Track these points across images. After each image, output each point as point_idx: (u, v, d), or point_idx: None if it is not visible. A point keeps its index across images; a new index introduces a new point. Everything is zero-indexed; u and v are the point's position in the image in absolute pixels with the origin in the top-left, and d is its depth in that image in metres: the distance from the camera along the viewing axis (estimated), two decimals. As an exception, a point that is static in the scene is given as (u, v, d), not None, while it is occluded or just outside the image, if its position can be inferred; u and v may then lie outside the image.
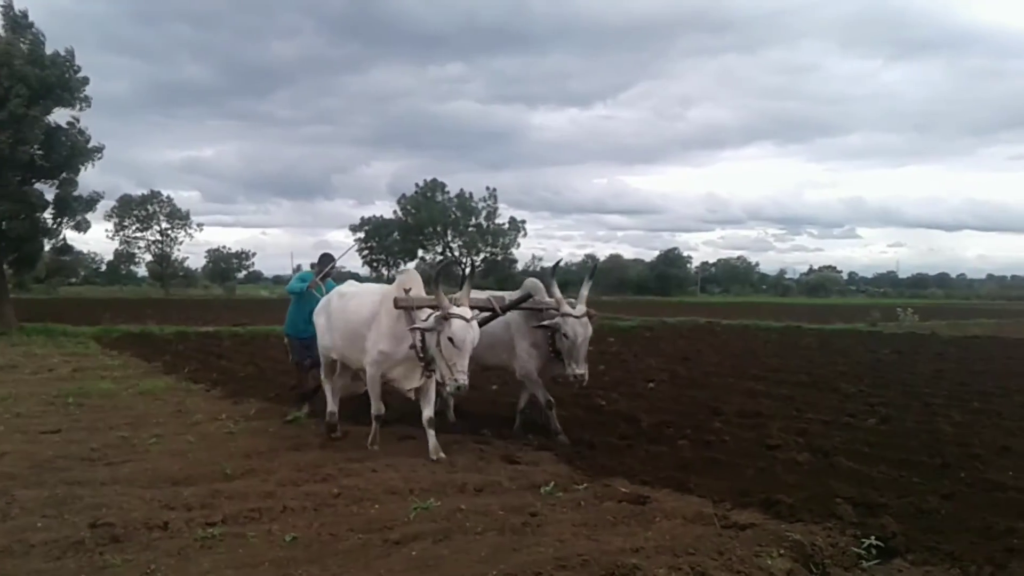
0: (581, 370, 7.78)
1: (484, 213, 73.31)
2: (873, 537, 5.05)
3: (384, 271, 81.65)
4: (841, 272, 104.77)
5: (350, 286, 8.82)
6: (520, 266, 75.45)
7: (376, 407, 7.93)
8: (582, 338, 7.79)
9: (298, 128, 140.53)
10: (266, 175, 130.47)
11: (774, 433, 8.26)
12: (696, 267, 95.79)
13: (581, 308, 7.90)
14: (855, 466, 7.01)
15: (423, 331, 7.11)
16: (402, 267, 18.35)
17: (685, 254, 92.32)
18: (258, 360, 15.58)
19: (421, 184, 73.84)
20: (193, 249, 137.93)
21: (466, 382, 6.87)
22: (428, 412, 7.64)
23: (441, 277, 7.32)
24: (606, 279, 75.59)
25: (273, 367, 14.45)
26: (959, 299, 76.21)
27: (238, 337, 21.22)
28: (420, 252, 75.35)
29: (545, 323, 8.01)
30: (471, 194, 73.13)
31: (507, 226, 73.94)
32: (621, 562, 4.62)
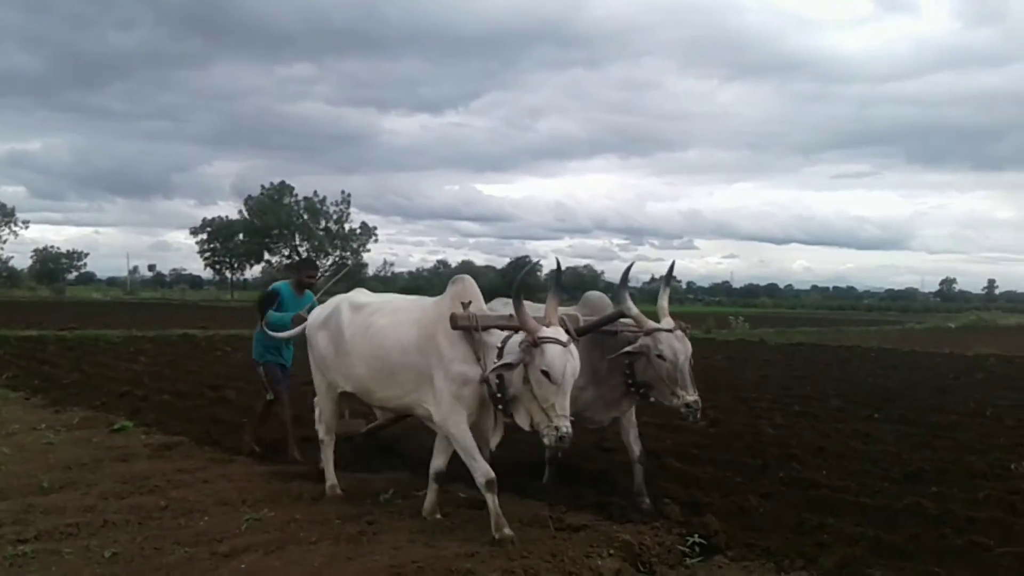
0: (693, 396, 5.82)
1: (335, 217, 72.17)
2: (697, 535, 5.29)
3: (228, 274, 79.04)
4: (680, 281, 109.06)
5: (365, 295, 6.57)
6: (371, 271, 74.76)
7: (483, 471, 5.41)
8: (684, 356, 5.92)
9: (135, 123, 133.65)
10: (100, 171, 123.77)
11: (610, 436, 8.50)
12: (546, 275, 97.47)
13: (669, 320, 6.11)
14: (683, 467, 7.31)
15: (505, 368, 5.10)
16: (456, 277, 5.55)
17: (535, 259, 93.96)
18: (85, 366, 14.67)
19: (268, 186, 71.89)
20: (18, 248, 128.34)
21: (570, 429, 4.90)
22: (484, 473, 5.42)
23: (523, 289, 5.30)
24: (457, 285, 75.72)
25: (101, 373, 13.67)
26: (786, 308, 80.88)
27: (64, 342, 19.89)
28: (266, 255, 73.35)
29: (630, 349, 5.98)
30: (324, 198, 71.83)
31: (359, 231, 73.04)
32: (456, 567, 4.65)
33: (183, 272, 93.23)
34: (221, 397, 11.17)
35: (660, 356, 5.87)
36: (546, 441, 4.97)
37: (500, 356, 5.19)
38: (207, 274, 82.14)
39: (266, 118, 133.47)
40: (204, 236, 74.11)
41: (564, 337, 5.07)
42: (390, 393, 5.94)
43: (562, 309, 5.78)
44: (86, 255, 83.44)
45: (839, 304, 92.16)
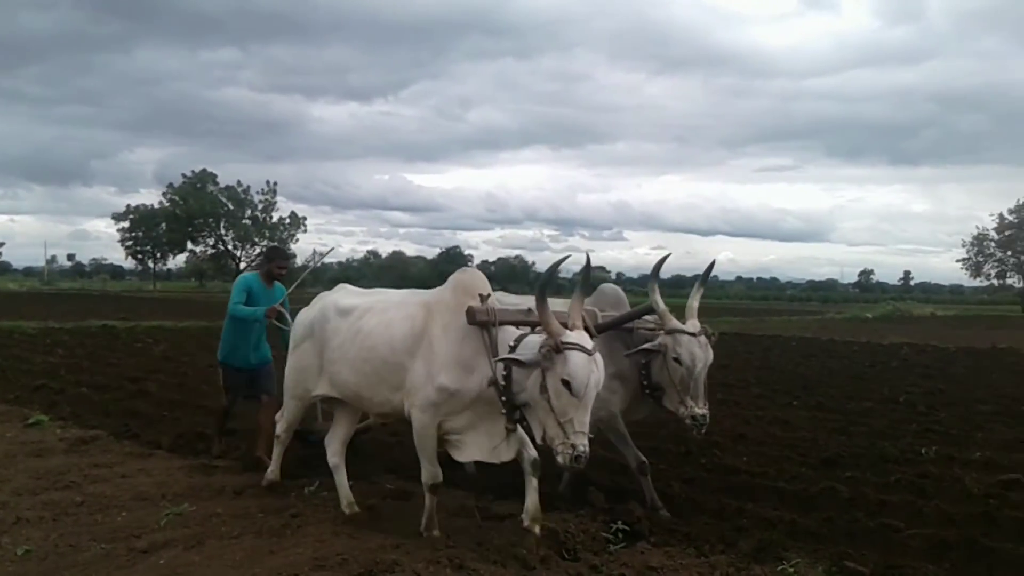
0: (703, 409, 5.46)
1: (261, 206, 70.85)
2: (620, 522, 5.36)
3: (150, 264, 77.04)
4: (610, 272, 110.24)
5: (351, 295, 6.01)
6: (299, 261, 73.62)
7: (431, 473, 5.20)
8: (702, 364, 5.50)
9: (52, 107, 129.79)
10: (14, 157, 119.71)
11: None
12: (477, 265, 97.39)
13: (695, 323, 5.62)
14: (608, 455, 7.40)
15: (515, 363, 4.64)
16: (464, 267, 5.35)
17: (466, 252, 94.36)
18: (-2, 359, 14.15)
19: (191, 173, 70.16)
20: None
21: (587, 448, 4.43)
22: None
23: (548, 286, 4.72)
24: (388, 275, 75.31)
25: (16, 366, 13.20)
26: (712, 299, 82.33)
27: (-26, 334, 19.16)
28: (189, 244, 71.72)
29: (648, 347, 5.63)
30: (249, 187, 70.43)
31: (288, 220, 71.85)
32: (381, 558, 4.63)
33: (104, 262, 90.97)
34: (141, 390, 10.91)
35: (676, 359, 5.47)
36: (559, 460, 4.44)
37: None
38: (129, 264, 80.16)
39: (190, 104, 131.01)
40: (126, 224, 72.04)
41: (589, 344, 4.49)
42: (381, 397, 5.42)
43: (560, 301, 5.35)
44: (1, 244, 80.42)
45: (762, 295, 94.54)
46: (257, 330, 7.26)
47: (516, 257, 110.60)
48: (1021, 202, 73.10)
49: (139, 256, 74.44)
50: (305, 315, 6.15)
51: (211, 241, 70.65)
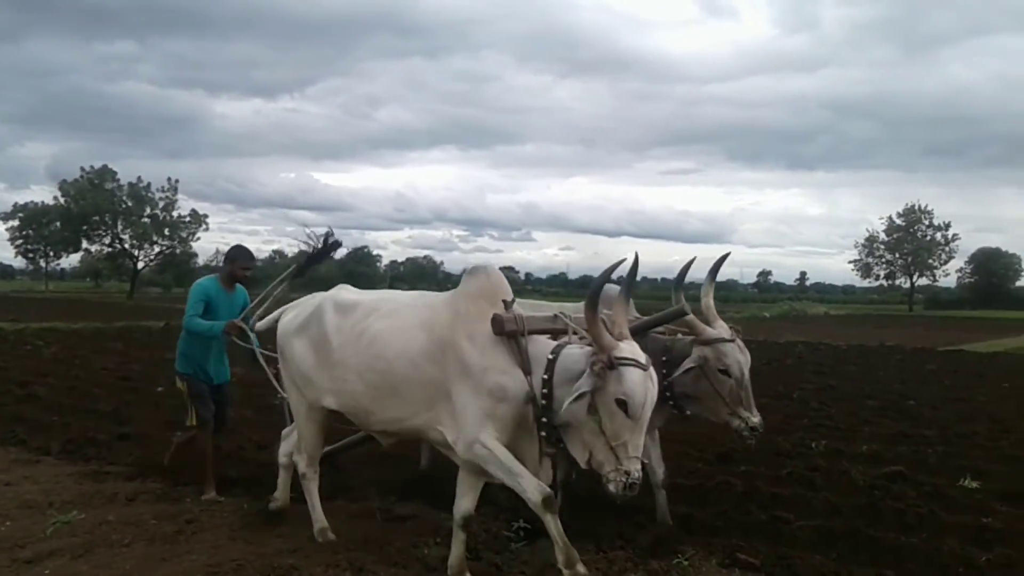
0: (757, 417, 5.09)
1: (161, 204, 68.59)
2: (522, 520, 5.40)
3: (42, 263, 73.80)
4: (519, 273, 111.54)
5: (352, 292, 5.36)
6: (201, 261, 71.62)
7: (538, 488, 4.25)
8: (747, 371, 5.17)
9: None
10: None
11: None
12: (385, 266, 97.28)
13: (724, 327, 5.27)
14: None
15: (565, 382, 4.08)
16: (479, 267, 4.32)
17: (374, 252, 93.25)
18: None
19: (87, 169, 67.42)
20: None
21: (640, 475, 3.93)
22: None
23: (595, 293, 4.11)
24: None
25: None
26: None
27: None
28: (84, 243, 68.91)
29: (692, 364, 5.09)
30: (149, 184, 68.08)
31: (188, 219, 69.75)
32: (278, 563, 4.58)
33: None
34: (29, 394, 10.43)
35: (725, 371, 5.03)
36: (611, 488, 3.91)
37: (551, 371, 4.18)
38: (19, 263, 76.61)
39: (85, 97, 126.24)
40: (16, 223, 68.73)
41: (643, 358, 4.01)
42: (393, 414, 4.73)
43: (570, 306, 5.11)
44: None
45: (666, 295, 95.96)
46: (217, 344, 6.33)
47: (425, 257, 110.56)
48: (908, 206, 76.91)
49: (30, 255, 71.24)
50: (293, 315, 5.44)
51: (107, 240, 68.02)
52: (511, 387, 4.27)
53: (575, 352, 4.19)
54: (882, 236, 77.53)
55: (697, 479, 6.66)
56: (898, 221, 76.86)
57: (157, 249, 67.38)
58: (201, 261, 71.71)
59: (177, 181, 69.71)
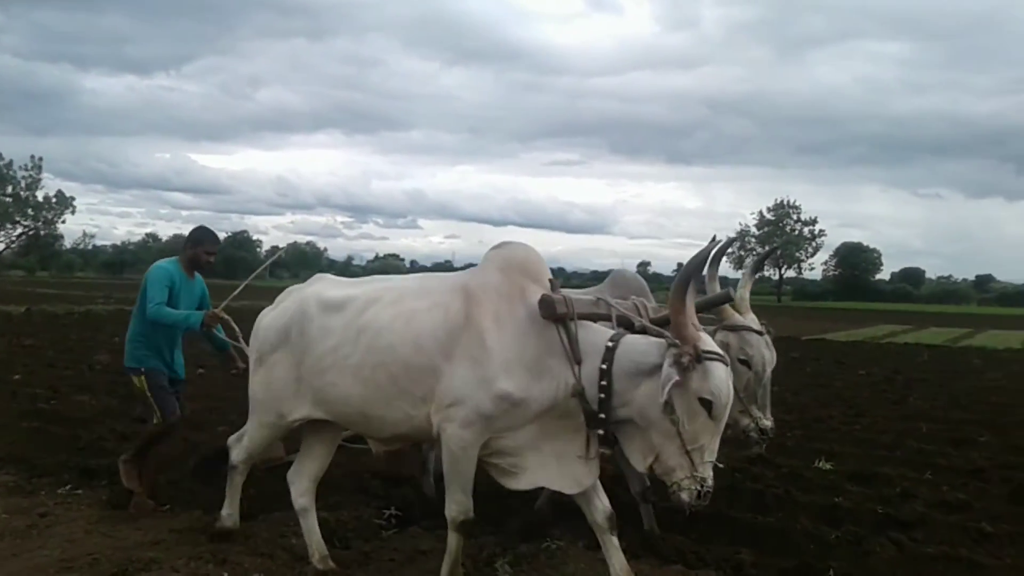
0: (770, 420, 4.59)
1: (24, 183, 64.92)
2: (393, 508, 5.41)
3: None
4: (404, 260, 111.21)
5: (336, 285, 4.71)
6: (68, 243, 68.31)
7: (462, 505, 4.13)
8: (771, 369, 4.66)
9: None
10: None
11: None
12: (266, 251, 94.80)
13: (755, 319, 4.78)
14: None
15: (645, 374, 3.64)
16: (510, 241, 4.43)
17: (255, 237, 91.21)
18: None
19: (-59, 144, 63.14)
20: None
21: (713, 482, 3.62)
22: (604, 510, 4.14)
23: (695, 275, 3.76)
24: (167, 260, 71.37)
25: None
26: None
27: None
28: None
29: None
30: (11, 161, 64.31)
31: (54, 199, 66.28)
32: (137, 557, 4.43)
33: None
34: None
35: (745, 362, 4.53)
36: (683, 496, 3.58)
37: (610, 361, 3.72)
38: None
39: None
40: None
41: (721, 351, 3.68)
42: (399, 414, 4.13)
43: (591, 291, 4.67)
44: None
45: (562, 284, 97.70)
46: (178, 336, 5.69)
47: (308, 243, 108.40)
48: (778, 201, 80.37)
49: None
50: (273, 317, 4.75)
51: (-38, 220, 63.97)
52: (534, 390, 3.81)
53: (641, 342, 3.76)
54: (753, 230, 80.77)
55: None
56: (768, 216, 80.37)
57: (19, 230, 63.80)
58: (68, 244, 68.41)
59: (41, 159, 66.50)
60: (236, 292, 5.49)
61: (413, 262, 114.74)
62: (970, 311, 66.96)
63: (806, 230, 79.86)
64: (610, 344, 3.75)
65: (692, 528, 5.33)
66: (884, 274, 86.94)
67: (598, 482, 4.09)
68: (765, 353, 4.59)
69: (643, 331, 3.97)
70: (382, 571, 4.57)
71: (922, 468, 6.87)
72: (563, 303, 3.85)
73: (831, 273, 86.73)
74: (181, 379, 5.79)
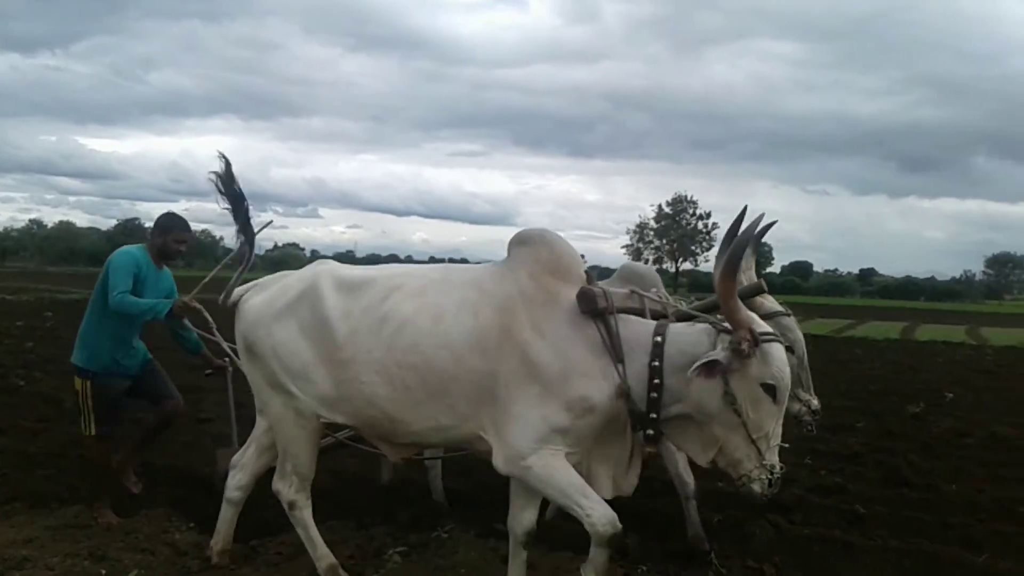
0: (816, 400, 4.52)
1: None
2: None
3: None
4: (304, 250, 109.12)
5: (349, 267, 4.24)
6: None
7: (604, 516, 3.53)
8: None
9: None
10: None
11: (208, 407, 8.19)
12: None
13: (774, 301, 4.59)
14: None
15: (706, 367, 3.31)
16: (532, 230, 3.97)
17: (147, 225, 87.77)
18: None
19: None
20: None
21: (779, 468, 3.49)
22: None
23: (735, 259, 3.41)
24: (54, 248, 68.23)
25: None
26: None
27: None
28: None
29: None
30: None
31: (-77, 180, 62.49)
32: (9, 555, 4.26)
33: None
34: None
35: (788, 348, 4.00)
36: (755, 488, 3.43)
37: (660, 356, 3.48)
38: None
39: None
40: None
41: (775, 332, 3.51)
42: (431, 423, 3.77)
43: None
44: None
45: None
46: (137, 330, 5.23)
47: (203, 231, 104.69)
48: (676, 196, 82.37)
49: None
50: (270, 297, 4.12)
51: None
52: (598, 392, 3.52)
53: (689, 332, 3.54)
54: (652, 223, 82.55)
55: (461, 455, 6.80)
56: (666, 209, 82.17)
57: None
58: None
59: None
60: (206, 280, 4.96)
61: (314, 252, 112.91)
62: (854, 303, 70.00)
63: (700, 224, 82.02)
64: (658, 338, 3.51)
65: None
66: (774, 267, 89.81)
67: (534, 494, 3.85)
68: (800, 335, 4.51)
69: (687, 319, 3.78)
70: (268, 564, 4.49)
71: (802, 453, 7.15)
72: (603, 297, 3.60)
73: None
74: (146, 364, 5.34)
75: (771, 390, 3.35)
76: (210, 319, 5.00)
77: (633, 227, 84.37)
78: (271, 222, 5.35)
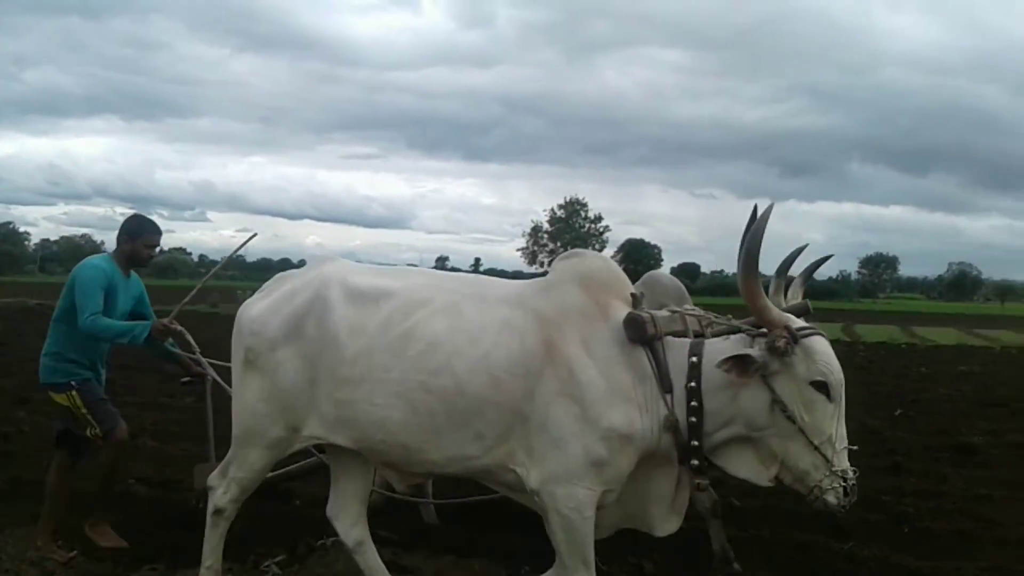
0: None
1: None
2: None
3: None
4: (191, 255, 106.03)
5: (367, 271, 3.80)
6: None
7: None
8: None
9: None
10: None
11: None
12: (35, 244, 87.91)
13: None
14: (159, 446, 7.16)
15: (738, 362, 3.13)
16: (579, 251, 3.83)
17: (22, 230, 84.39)
18: None
19: None
20: None
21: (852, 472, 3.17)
22: None
23: (752, 256, 3.23)
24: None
25: None
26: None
27: None
28: None
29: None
30: None
31: None
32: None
33: None
34: None
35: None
36: (830, 499, 3.13)
37: (697, 378, 3.25)
38: None
39: None
40: None
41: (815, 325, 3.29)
42: (451, 452, 3.46)
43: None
44: None
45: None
46: (108, 347, 4.88)
47: (83, 236, 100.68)
48: (568, 199, 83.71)
49: None
50: (271, 306, 3.73)
51: None
52: (640, 423, 3.28)
53: (723, 345, 3.31)
54: (546, 226, 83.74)
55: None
56: (559, 213, 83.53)
57: None
58: None
59: None
60: (190, 296, 4.72)
61: (202, 256, 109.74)
62: (739, 303, 71.73)
63: (592, 227, 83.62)
64: (693, 359, 3.28)
65: (467, 518, 5.39)
66: (664, 268, 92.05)
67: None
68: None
69: (729, 333, 3.53)
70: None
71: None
72: (652, 323, 3.32)
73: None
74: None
75: (823, 387, 3.12)
76: (192, 342, 4.73)
77: (528, 230, 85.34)
78: (255, 235, 5.12)
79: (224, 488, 3.81)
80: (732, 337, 3.37)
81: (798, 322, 3.21)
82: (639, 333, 3.30)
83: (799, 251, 3.70)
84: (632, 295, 3.52)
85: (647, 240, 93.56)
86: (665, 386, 3.28)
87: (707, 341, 3.39)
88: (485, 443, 3.39)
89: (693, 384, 3.23)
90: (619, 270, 3.68)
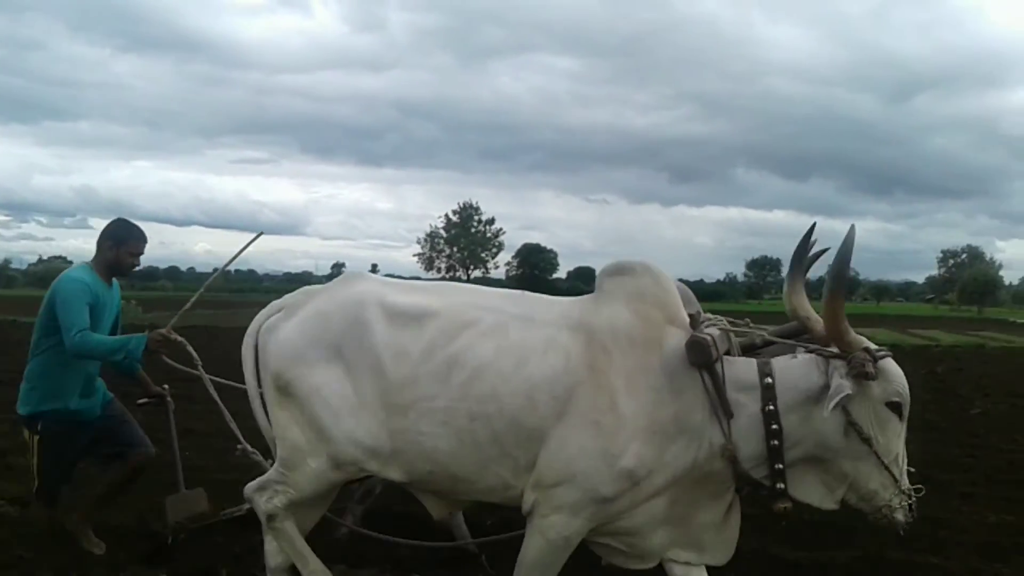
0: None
1: None
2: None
3: None
4: (72, 263, 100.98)
5: (400, 289, 3.57)
6: None
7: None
8: None
9: None
10: None
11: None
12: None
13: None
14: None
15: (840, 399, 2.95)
16: (626, 263, 3.39)
17: None
18: None
19: None
20: None
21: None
22: None
23: (841, 276, 3.14)
24: None
25: None
26: (187, 291, 79.67)
27: None
28: None
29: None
30: None
31: None
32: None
33: None
34: None
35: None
36: (899, 517, 3.11)
37: (772, 399, 3.10)
38: None
39: None
40: None
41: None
42: (495, 481, 3.31)
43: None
44: None
45: (239, 287, 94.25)
46: (95, 367, 4.48)
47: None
48: (463, 204, 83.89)
49: None
50: (302, 327, 3.53)
51: None
52: (676, 456, 3.14)
53: (796, 365, 3.18)
54: (442, 232, 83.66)
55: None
56: (454, 218, 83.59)
57: None
58: None
59: None
60: (188, 305, 4.43)
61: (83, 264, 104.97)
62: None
63: (488, 232, 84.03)
64: (767, 380, 3.12)
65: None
66: (561, 273, 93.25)
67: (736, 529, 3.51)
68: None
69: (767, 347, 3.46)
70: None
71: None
72: (715, 345, 3.10)
73: (514, 273, 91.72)
74: (108, 404, 4.64)
75: (897, 408, 3.09)
76: (194, 353, 4.41)
77: (424, 236, 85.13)
78: (260, 234, 4.70)
79: (268, 496, 3.58)
80: (801, 355, 3.22)
81: (870, 343, 3.13)
82: (703, 358, 3.09)
83: (820, 253, 3.59)
84: (691, 315, 3.32)
85: (543, 245, 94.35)
86: (726, 411, 3.12)
87: (774, 360, 3.23)
88: (518, 467, 3.26)
89: (771, 407, 3.09)
90: (671, 285, 3.43)
